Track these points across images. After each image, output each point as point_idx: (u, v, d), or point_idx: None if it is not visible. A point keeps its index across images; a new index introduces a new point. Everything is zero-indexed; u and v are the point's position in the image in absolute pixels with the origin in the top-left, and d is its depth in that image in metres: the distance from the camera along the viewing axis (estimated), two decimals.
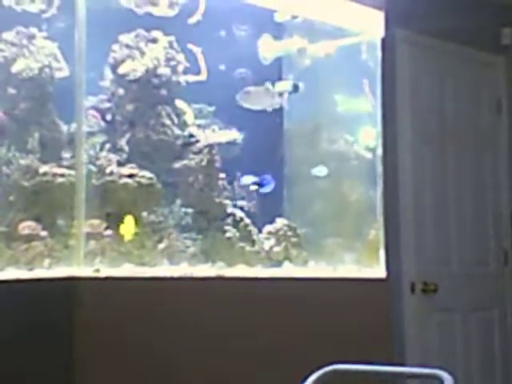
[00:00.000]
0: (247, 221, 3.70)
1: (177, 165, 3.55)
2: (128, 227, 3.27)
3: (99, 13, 3.16)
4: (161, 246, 3.37)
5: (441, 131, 5.13)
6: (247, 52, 3.92)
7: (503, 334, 5.30)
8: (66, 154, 3.27)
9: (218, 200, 3.61)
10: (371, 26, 4.09)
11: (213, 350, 3.24)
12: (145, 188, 3.33)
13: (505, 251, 5.39)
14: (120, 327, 3.00)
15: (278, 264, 3.77)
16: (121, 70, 3.46)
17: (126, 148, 3.43)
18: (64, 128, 3.37)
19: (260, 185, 3.72)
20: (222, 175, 3.66)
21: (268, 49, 3.98)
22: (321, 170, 3.99)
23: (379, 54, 4.16)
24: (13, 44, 3.33)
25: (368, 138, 4.22)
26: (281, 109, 4.09)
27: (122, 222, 3.26)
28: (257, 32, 3.93)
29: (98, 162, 3.33)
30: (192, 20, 3.56)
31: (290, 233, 3.85)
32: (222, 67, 3.80)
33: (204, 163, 3.57)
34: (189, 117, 3.65)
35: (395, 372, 2.89)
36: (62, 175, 3.21)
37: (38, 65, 3.32)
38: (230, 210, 3.66)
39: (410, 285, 4.83)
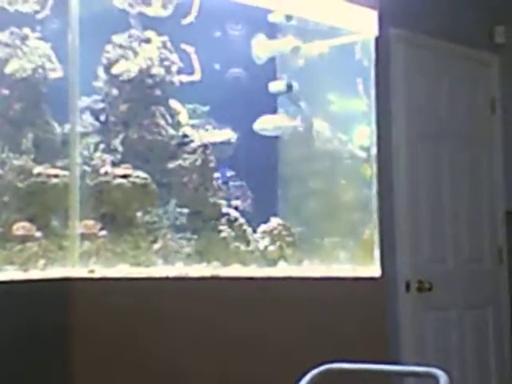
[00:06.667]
0: (242, 220, 3.70)
1: (171, 165, 3.55)
2: None
3: (92, 13, 3.15)
4: (156, 246, 3.36)
5: (435, 130, 5.14)
6: (241, 52, 3.91)
7: (498, 331, 5.31)
8: (60, 155, 3.27)
9: (212, 200, 3.61)
10: (365, 25, 4.09)
11: (208, 349, 3.24)
12: (139, 188, 3.32)
13: (499, 249, 5.39)
14: (115, 328, 3.00)
15: (273, 263, 3.77)
16: (114, 70, 3.45)
17: (120, 148, 3.43)
18: (58, 129, 3.36)
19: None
20: (217, 175, 3.65)
21: (262, 48, 3.97)
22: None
23: (373, 53, 4.16)
24: (6, 45, 3.32)
25: (362, 137, 4.22)
26: (275, 108, 4.09)
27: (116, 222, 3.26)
28: (250, 31, 3.93)
29: (92, 163, 3.32)
30: (185, 20, 3.56)
31: (284, 232, 3.85)
32: (216, 67, 3.79)
33: (198, 163, 3.57)
34: (183, 117, 3.65)
35: (390, 371, 2.89)
36: (56, 176, 3.20)
37: (32, 65, 3.31)
38: (224, 209, 3.66)
39: (404, 283, 4.85)
